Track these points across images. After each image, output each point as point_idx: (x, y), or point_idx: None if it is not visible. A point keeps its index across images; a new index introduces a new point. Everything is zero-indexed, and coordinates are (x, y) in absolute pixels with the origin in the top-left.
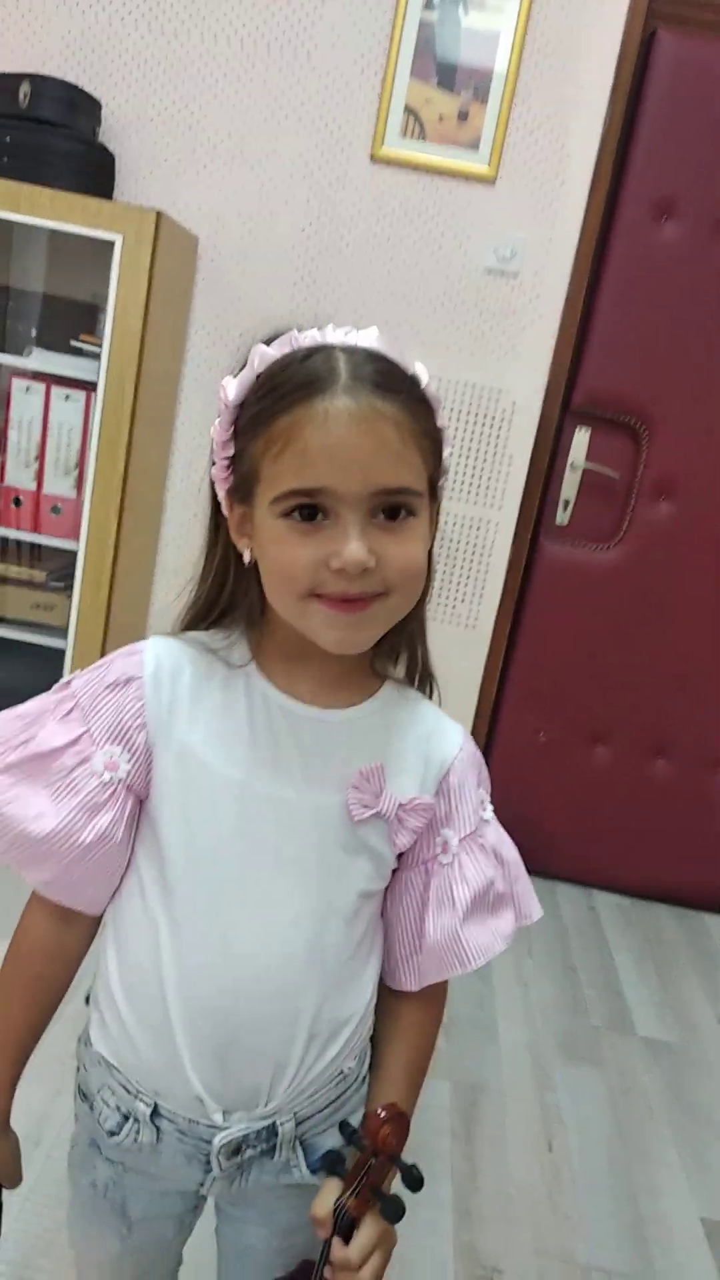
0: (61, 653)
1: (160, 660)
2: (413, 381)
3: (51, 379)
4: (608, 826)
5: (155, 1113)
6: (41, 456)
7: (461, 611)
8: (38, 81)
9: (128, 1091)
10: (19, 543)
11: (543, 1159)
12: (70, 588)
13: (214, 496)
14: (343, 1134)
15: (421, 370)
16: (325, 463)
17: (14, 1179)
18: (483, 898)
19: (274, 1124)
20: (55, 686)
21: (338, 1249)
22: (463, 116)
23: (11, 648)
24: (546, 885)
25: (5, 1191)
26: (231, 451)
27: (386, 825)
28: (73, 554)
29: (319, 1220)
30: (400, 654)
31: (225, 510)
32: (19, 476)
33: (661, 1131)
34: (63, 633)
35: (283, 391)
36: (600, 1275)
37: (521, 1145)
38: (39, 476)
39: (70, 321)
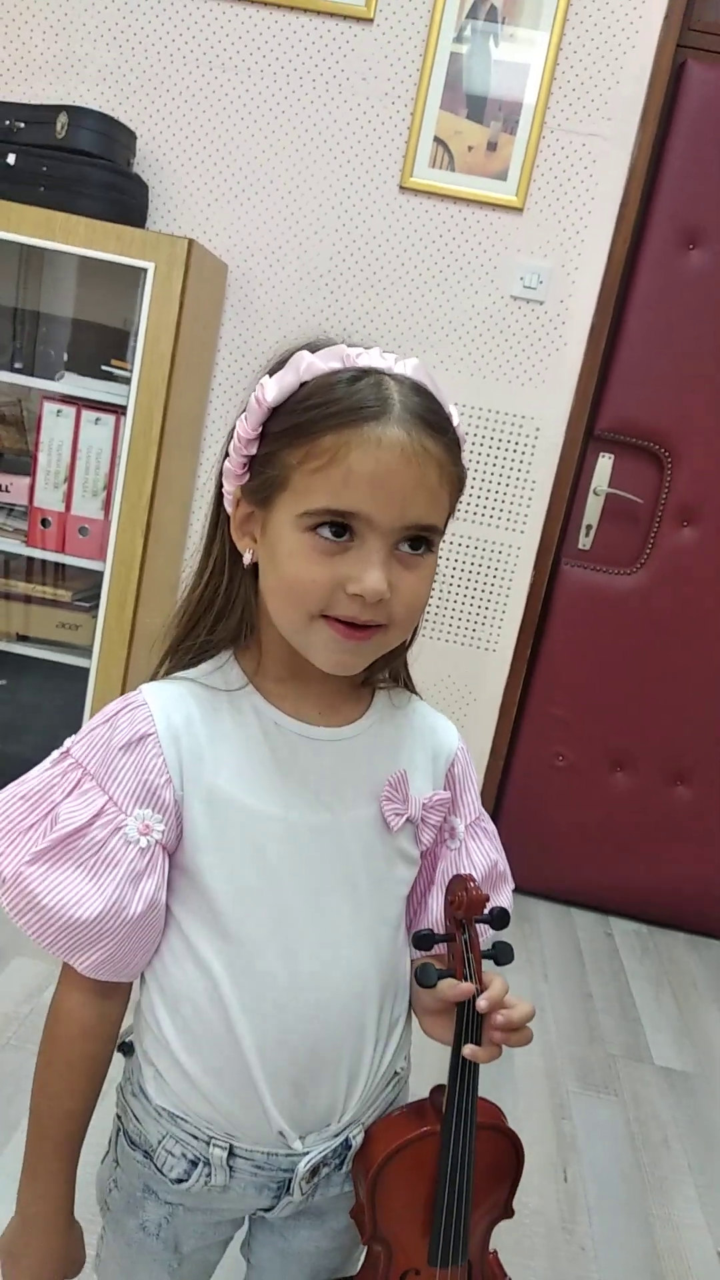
0: (86, 671)
1: (167, 709)
2: (452, 423)
3: (82, 402)
4: (626, 853)
5: (231, 1153)
6: (70, 479)
7: (481, 635)
8: (75, 113)
9: (197, 1139)
10: (45, 563)
11: (558, 1188)
12: (96, 608)
13: (218, 499)
14: (422, 945)
15: (454, 412)
16: (368, 490)
17: (78, 1268)
18: (488, 879)
19: (347, 1138)
20: (50, 758)
21: (490, 1004)
22: (492, 147)
23: (38, 666)
24: (563, 911)
25: None
26: (254, 451)
27: (414, 827)
28: (99, 575)
29: (465, 991)
30: (383, 666)
31: (229, 505)
32: (48, 498)
33: (678, 1162)
34: (87, 652)
35: (334, 409)
36: None
37: (536, 1174)
38: (68, 498)
39: (101, 346)
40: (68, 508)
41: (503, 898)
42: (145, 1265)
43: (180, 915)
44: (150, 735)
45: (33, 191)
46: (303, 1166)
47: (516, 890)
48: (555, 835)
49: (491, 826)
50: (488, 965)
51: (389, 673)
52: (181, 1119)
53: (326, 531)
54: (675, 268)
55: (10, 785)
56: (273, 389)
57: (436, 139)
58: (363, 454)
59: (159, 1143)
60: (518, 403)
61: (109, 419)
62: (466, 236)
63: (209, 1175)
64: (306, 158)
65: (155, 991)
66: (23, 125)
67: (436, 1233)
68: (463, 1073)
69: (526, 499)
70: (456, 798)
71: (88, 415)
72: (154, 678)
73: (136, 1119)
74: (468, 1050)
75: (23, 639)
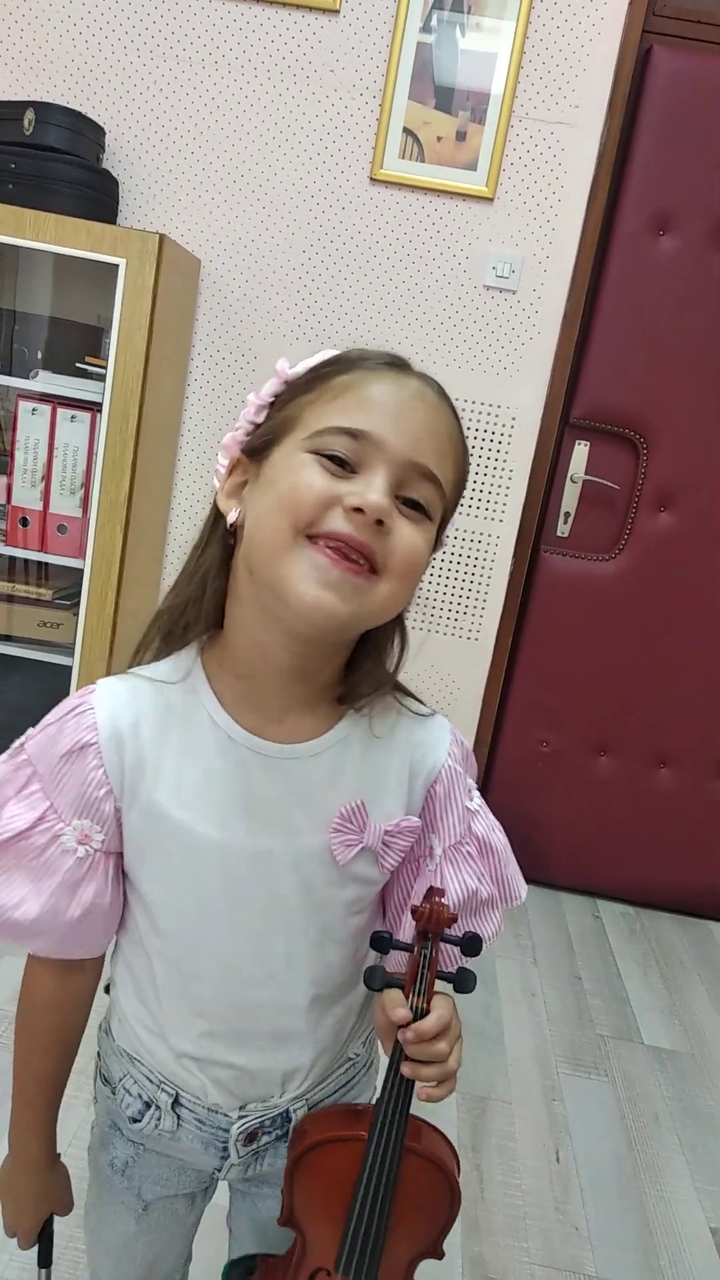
0: (69, 669)
1: (115, 716)
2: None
3: (57, 400)
4: (612, 836)
5: (176, 1102)
6: (48, 477)
7: (463, 624)
8: (42, 109)
9: (150, 1081)
10: (26, 562)
11: (550, 1169)
12: (76, 606)
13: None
14: (378, 947)
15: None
16: (382, 412)
17: (66, 1207)
18: (465, 907)
19: (287, 1111)
20: (10, 750)
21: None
22: (461, 137)
23: (20, 665)
24: (551, 895)
25: (55, 1219)
26: (263, 417)
27: (374, 854)
28: (79, 572)
29: (399, 1019)
30: (365, 679)
31: (220, 476)
32: (26, 497)
33: (669, 1140)
34: (69, 650)
35: (353, 360)
36: None
37: (529, 1156)
38: (45, 497)
39: (76, 344)
40: (46, 506)
41: (484, 925)
42: (114, 1209)
43: (132, 904)
44: (91, 745)
45: (1, 189)
46: (235, 1129)
47: None
48: (541, 820)
49: (495, 838)
50: (451, 989)
51: (372, 684)
52: (138, 1060)
53: (329, 457)
54: (646, 254)
55: None
56: (292, 365)
57: (405, 130)
58: (380, 385)
59: (119, 1080)
60: (494, 392)
61: (85, 416)
62: (438, 227)
63: (159, 1120)
64: (276, 150)
65: (122, 943)
66: None
67: (344, 1237)
68: (394, 1091)
69: (505, 488)
70: (436, 818)
71: (63, 413)
72: (133, 659)
73: (105, 1056)
74: (406, 1069)
75: (4, 638)
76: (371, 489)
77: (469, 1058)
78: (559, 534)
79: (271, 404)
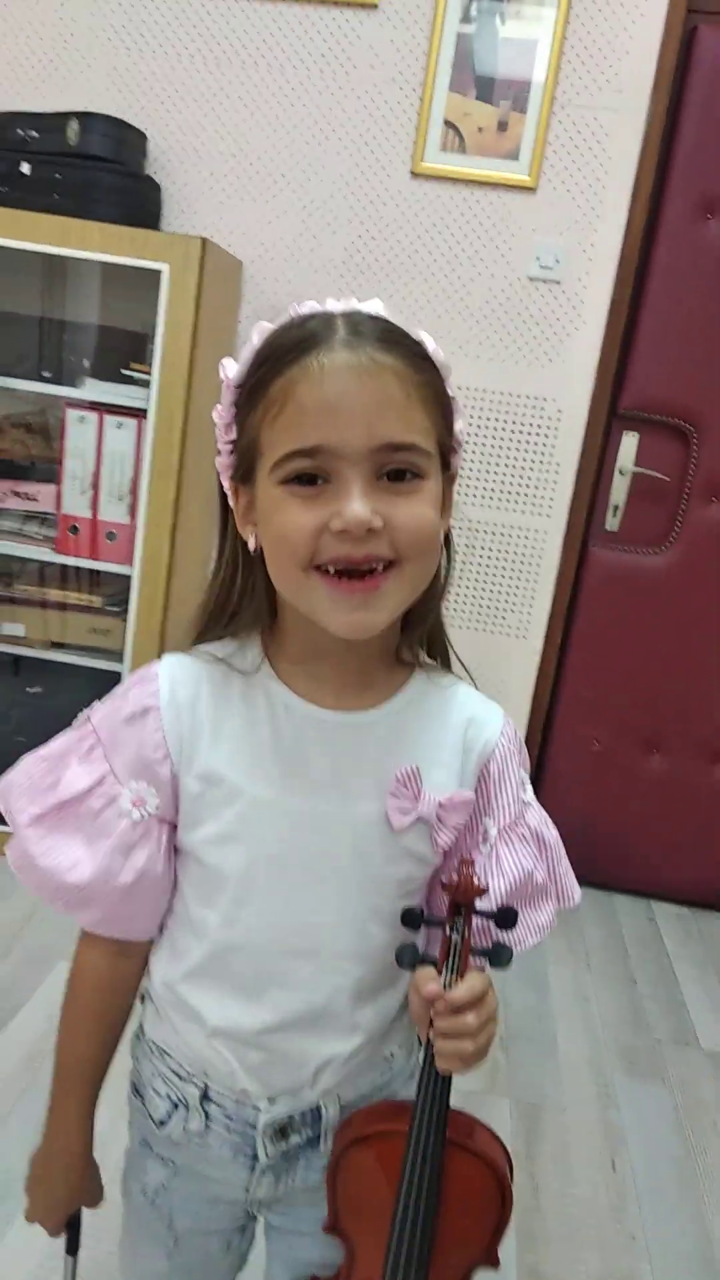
0: (118, 675)
1: (175, 684)
2: (416, 340)
3: (104, 408)
4: (665, 836)
5: (205, 1096)
6: (96, 484)
7: (512, 621)
8: (85, 118)
9: (179, 1077)
10: (76, 569)
11: (606, 1178)
12: (126, 612)
13: (222, 491)
14: (409, 924)
15: (428, 338)
16: (322, 418)
17: (96, 1199)
18: (520, 891)
19: (319, 1106)
20: (77, 720)
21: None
22: (502, 127)
23: (72, 672)
24: (604, 896)
25: (84, 1211)
26: (234, 435)
27: (428, 826)
28: (127, 579)
29: (429, 994)
30: (422, 643)
31: (231, 500)
32: (75, 504)
33: None
34: (119, 656)
35: (278, 354)
36: None
37: (584, 1164)
38: (94, 504)
39: (122, 350)
40: (95, 513)
41: (537, 915)
42: (146, 1243)
43: (179, 875)
44: (153, 709)
45: (47, 199)
46: (263, 1120)
47: None
48: (593, 820)
49: (547, 833)
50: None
51: (426, 648)
52: (167, 1054)
53: (297, 482)
54: (695, 238)
55: (40, 748)
56: (233, 366)
57: (446, 122)
58: (309, 384)
59: (149, 1082)
60: (538, 385)
61: (131, 423)
62: (480, 219)
63: (186, 1119)
64: (317, 149)
65: (167, 923)
66: (35, 135)
67: (390, 1242)
68: (430, 1080)
69: (551, 482)
70: (490, 798)
71: (110, 420)
72: (188, 643)
73: (137, 1060)
74: (435, 1042)
75: (56, 645)
76: (348, 505)
77: (523, 1063)
78: (608, 528)
79: (235, 414)
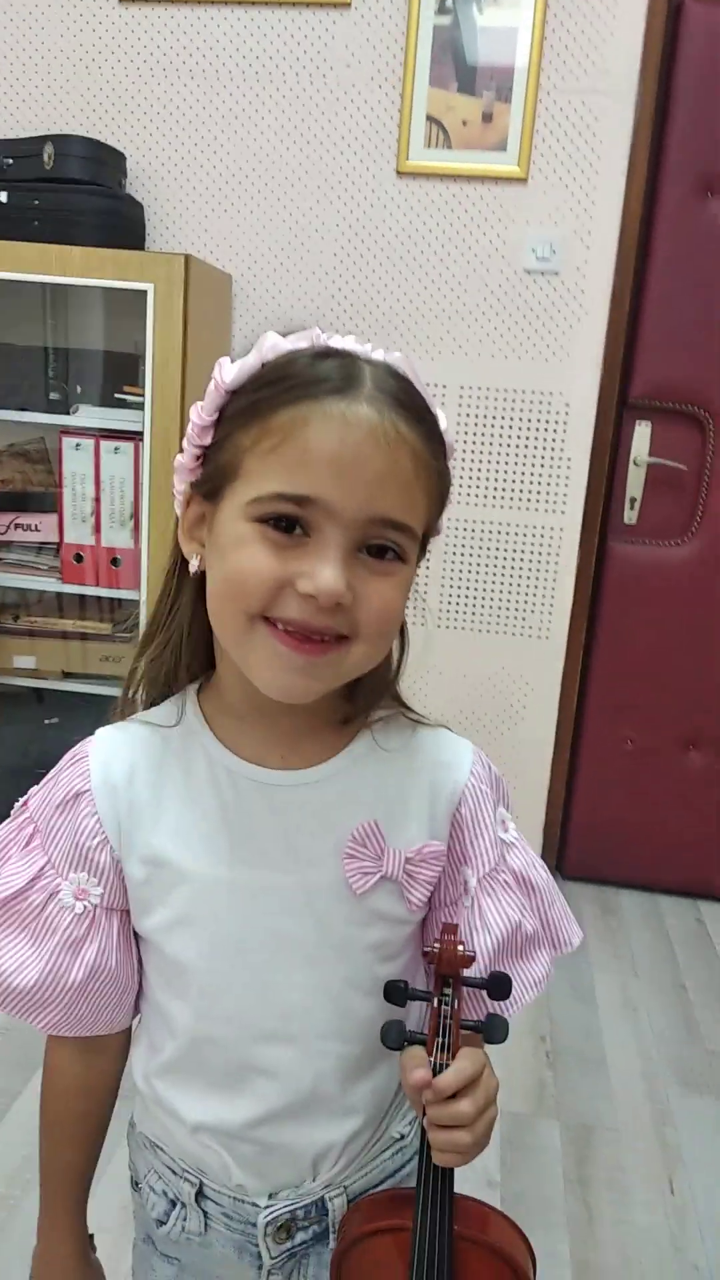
0: None
1: (108, 762)
2: (435, 417)
3: (99, 433)
4: (708, 833)
5: (200, 1194)
6: (97, 511)
7: (532, 623)
8: (60, 141)
9: (174, 1173)
10: (84, 598)
11: (665, 1202)
12: (136, 638)
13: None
14: (393, 999)
15: (442, 417)
16: (325, 470)
17: None
18: (508, 945)
19: (323, 1199)
20: (16, 807)
21: (432, 1091)
22: (487, 118)
23: (87, 702)
24: (648, 899)
25: None
26: (209, 440)
27: (397, 885)
28: (136, 604)
29: (416, 1081)
30: (366, 704)
31: (178, 507)
32: (78, 533)
33: None
34: None
35: (293, 383)
36: None
37: (640, 1188)
38: (96, 531)
39: (114, 374)
40: (98, 540)
41: (531, 967)
42: None
43: (144, 961)
44: (85, 793)
45: (27, 227)
46: (263, 1219)
47: (597, 882)
48: (631, 821)
49: (535, 875)
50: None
51: (373, 696)
52: (160, 1149)
53: (274, 525)
54: (695, 218)
55: None
56: (232, 370)
57: (429, 118)
58: (324, 430)
59: (144, 1177)
60: (543, 379)
61: (128, 446)
62: (471, 214)
63: (185, 1219)
64: (299, 155)
65: (143, 1011)
66: (10, 162)
67: None
68: (427, 1168)
69: (563, 478)
70: (466, 845)
71: (106, 445)
72: (119, 712)
73: (131, 1152)
74: (430, 1133)
75: (69, 675)
76: (323, 571)
77: (571, 1081)
78: (626, 521)
79: (217, 421)
